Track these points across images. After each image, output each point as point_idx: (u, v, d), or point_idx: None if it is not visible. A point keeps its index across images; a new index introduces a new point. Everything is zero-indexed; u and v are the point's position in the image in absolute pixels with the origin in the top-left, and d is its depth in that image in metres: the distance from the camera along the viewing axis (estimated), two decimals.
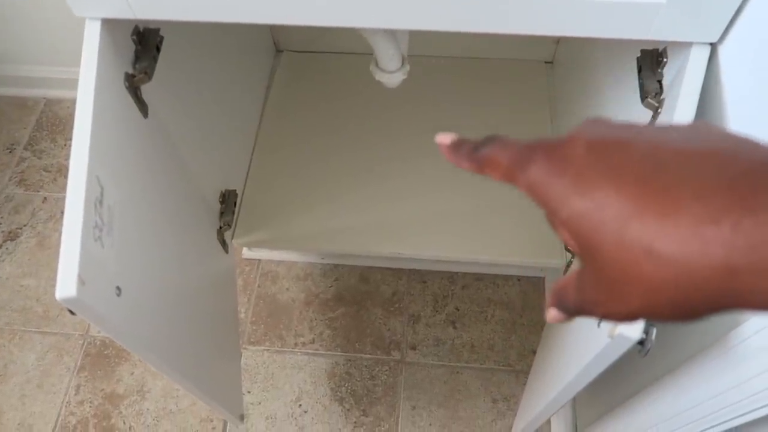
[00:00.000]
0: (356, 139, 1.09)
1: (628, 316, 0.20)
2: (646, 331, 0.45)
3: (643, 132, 0.20)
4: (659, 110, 0.55)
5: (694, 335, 0.53)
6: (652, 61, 0.58)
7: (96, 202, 0.47)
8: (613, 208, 0.18)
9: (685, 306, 0.18)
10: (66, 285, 0.42)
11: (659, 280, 0.18)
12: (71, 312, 0.45)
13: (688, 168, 0.18)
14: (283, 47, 1.21)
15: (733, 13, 0.47)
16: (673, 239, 0.17)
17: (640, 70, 0.59)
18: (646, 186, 0.18)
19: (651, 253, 0.17)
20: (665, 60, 0.55)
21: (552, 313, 0.23)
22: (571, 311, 0.22)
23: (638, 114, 0.59)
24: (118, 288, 0.49)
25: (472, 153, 0.24)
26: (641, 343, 0.45)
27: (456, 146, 0.25)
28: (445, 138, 0.25)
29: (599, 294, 0.20)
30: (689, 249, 0.17)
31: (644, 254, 0.18)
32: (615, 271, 0.19)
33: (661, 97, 0.55)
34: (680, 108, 0.50)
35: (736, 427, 0.47)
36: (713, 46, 0.51)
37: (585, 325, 0.57)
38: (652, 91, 0.56)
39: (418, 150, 1.06)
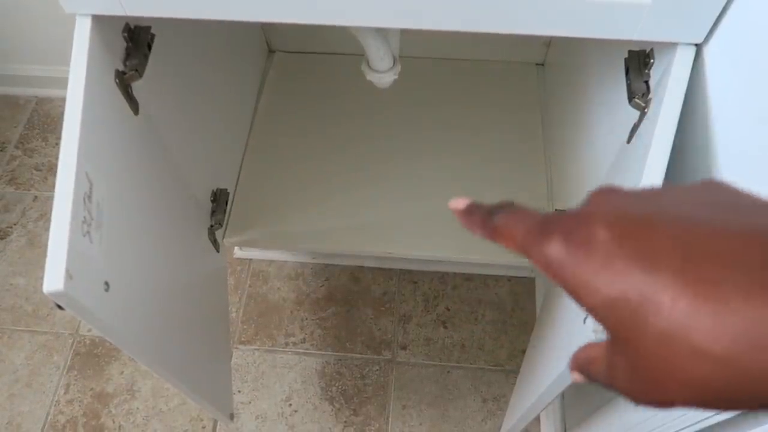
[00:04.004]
0: (348, 139, 1.09)
1: (663, 405, 0.19)
2: None
3: (662, 205, 0.19)
4: (646, 110, 0.56)
5: None
6: (639, 62, 0.58)
7: (85, 197, 0.47)
8: (649, 298, 0.17)
9: (731, 401, 0.17)
10: (53, 279, 0.42)
11: (704, 378, 0.17)
12: (59, 307, 0.45)
13: (726, 255, 0.17)
14: (275, 47, 1.21)
15: (717, 14, 0.48)
16: (720, 337, 0.16)
17: (627, 71, 0.59)
18: (684, 276, 0.17)
19: (696, 351, 0.16)
20: (652, 61, 0.56)
21: (575, 377, 0.23)
22: (598, 382, 0.22)
23: (626, 114, 0.60)
24: (106, 283, 0.49)
25: (486, 221, 0.23)
26: None
27: (469, 212, 0.24)
28: (458, 203, 0.25)
29: (633, 383, 0.19)
30: (739, 349, 0.16)
31: (689, 351, 0.17)
32: (652, 364, 0.18)
33: (648, 98, 0.56)
34: (665, 108, 0.50)
35: (715, 425, 0.48)
36: (698, 47, 0.51)
37: (571, 323, 0.58)
38: (639, 91, 0.57)
39: (409, 150, 1.07)
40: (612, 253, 0.18)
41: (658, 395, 0.18)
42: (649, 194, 0.20)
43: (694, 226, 0.18)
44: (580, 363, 0.22)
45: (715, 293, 0.16)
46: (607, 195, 0.21)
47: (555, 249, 0.20)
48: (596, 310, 0.19)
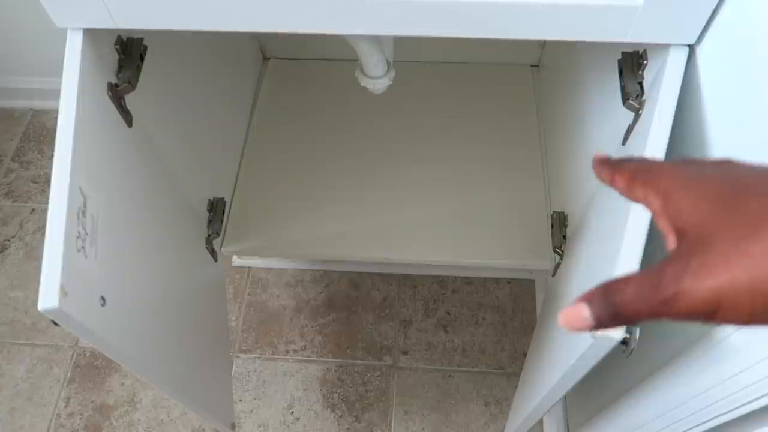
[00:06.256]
0: (344, 145, 1.09)
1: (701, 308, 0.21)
2: (629, 331, 0.46)
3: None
4: (640, 112, 0.56)
5: (677, 334, 0.54)
6: (633, 64, 0.58)
7: (79, 212, 0.47)
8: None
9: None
10: (48, 296, 0.42)
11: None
12: (55, 323, 0.44)
13: None
14: (269, 54, 1.21)
15: (708, 15, 0.48)
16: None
17: (621, 73, 0.59)
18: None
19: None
20: (645, 62, 0.56)
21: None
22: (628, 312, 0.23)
23: (621, 115, 0.60)
24: (102, 298, 0.49)
25: (611, 163, 0.28)
26: (624, 342, 0.45)
27: (602, 159, 0.29)
28: (597, 154, 0.29)
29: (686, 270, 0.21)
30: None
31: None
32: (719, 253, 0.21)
33: (642, 99, 0.56)
34: (660, 109, 0.50)
35: (721, 425, 0.48)
36: (691, 48, 0.51)
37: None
38: (633, 92, 0.57)
39: (405, 155, 1.06)
40: (707, 180, 0.24)
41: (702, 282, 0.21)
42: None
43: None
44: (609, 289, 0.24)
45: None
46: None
47: (667, 181, 0.24)
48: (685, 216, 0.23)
